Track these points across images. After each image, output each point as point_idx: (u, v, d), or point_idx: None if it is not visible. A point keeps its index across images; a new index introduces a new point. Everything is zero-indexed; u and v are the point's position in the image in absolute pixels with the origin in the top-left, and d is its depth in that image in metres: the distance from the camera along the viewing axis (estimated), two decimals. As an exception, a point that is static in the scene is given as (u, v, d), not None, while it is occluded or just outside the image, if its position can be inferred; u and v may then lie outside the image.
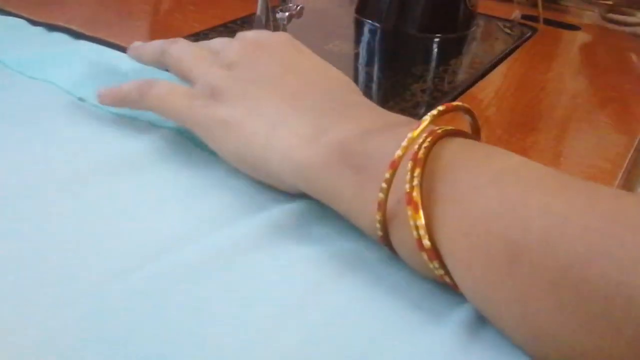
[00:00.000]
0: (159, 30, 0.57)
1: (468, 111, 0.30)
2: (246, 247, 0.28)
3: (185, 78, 0.36)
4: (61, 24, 0.52)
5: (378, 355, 0.24)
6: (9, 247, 0.27)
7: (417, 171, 0.25)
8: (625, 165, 0.42)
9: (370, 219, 0.27)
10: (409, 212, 0.25)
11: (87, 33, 0.50)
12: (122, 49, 0.47)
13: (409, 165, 0.25)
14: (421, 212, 0.25)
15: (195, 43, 0.38)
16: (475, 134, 0.30)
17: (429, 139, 0.26)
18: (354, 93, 0.34)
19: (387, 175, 0.26)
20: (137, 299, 0.25)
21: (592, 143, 0.44)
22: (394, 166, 0.26)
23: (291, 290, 0.26)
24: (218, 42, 0.38)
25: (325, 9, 0.68)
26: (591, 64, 0.60)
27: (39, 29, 0.51)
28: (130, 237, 0.28)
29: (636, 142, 0.45)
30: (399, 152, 0.26)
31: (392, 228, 0.27)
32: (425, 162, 0.25)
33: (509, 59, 0.58)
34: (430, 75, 0.53)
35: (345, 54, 0.55)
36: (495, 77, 0.54)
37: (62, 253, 0.27)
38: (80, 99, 0.40)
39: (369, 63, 0.55)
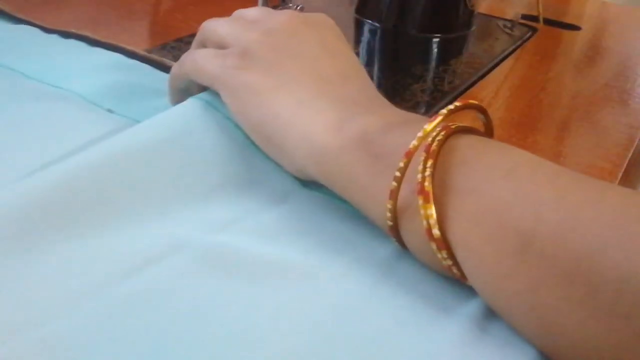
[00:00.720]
0: (159, 30, 0.57)
1: (482, 110, 0.30)
2: (252, 243, 0.28)
3: (222, 45, 0.35)
4: (72, 29, 0.51)
5: (388, 349, 0.24)
6: (16, 251, 0.27)
7: (430, 162, 0.26)
8: (625, 165, 0.42)
9: (381, 208, 0.27)
10: (420, 202, 0.25)
11: (100, 39, 0.49)
12: (122, 50, 0.47)
13: (422, 156, 0.26)
14: (432, 202, 0.25)
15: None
16: (488, 132, 0.31)
17: (442, 133, 0.27)
18: (376, 90, 0.34)
19: (402, 164, 0.26)
20: (144, 299, 0.25)
21: (592, 143, 0.44)
22: (409, 156, 0.26)
23: (301, 287, 0.26)
24: (257, 11, 0.37)
25: (325, 8, 0.68)
26: (591, 64, 0.60)
27: (54, 37, 0.49)
28: (135, 239, 0.28)
29: (636, 142, 0.45)
30: (414, 142, 0.26)
31: (403, 219, 0.27)
32: (438, 154, 0.26)
33: (509, 59, 0.58)
34: (430, 75, 0.53)
35: (345, 54, 0.55)
36: (495, 77, 0.54)
37: (66, 252, 0.27)
38: (109, 110, 0.39)
39: (369, 63, 0.55)
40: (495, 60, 0.57)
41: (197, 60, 0.35)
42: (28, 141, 0.35)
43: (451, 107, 0.27)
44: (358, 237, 0.30)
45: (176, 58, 0.49)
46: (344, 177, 0.29)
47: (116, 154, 0.31)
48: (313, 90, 0.32)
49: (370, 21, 0.63)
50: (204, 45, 0.37)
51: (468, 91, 0.50)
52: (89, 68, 0.44)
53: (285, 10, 0.36)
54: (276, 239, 0.29)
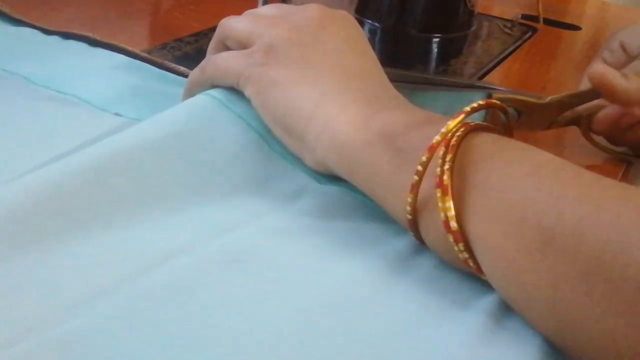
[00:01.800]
0: (159, 30, 0.57)
1: (503, 110, 0.30)
2: (268, 240, 0.29)
3: (245, 42, 0.35)
4: (72, 28, 0.51)
5: (404, 343, 0.24)
6: (31, 249, 0.26)
7: (449, 157, 0.26)
8: (625, 165, 0.42)
9: (401, 201, 0.27)
10: (438, 195, 0.26)
11: (102, 39, 0.48)
12: (122, 50, 0.47)
13: (442, 151, 0.26)
14: (450, 195, 0.25)
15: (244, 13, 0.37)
16: (506, 132, 0.31)
17: (462, 129, 0.27)
18: (395, 90, 0.34)
19: (424, 158, 0.26)
20: (161, 296, 0.25)
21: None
22: (432, 150, 0.26)
23: (319, 282, 0.27)
24: (277, 8, 0.37)
25: (325, 8, 0.68)
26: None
27: (54, 38, 0.48)
28: (150, 237, 0.28)
29: (636, 142, 0.45)
30: (437, 138, 0.26)
31: (422, 213, 0.27)
32: (457, 148, 0.26)
33: (509, 59, 0.58)
34: (430, 75, 0.53)
35: (345, 54, 0.55)
36: (496, 77, 0.54)
37: (82, 250, 0.27)
38: (117, 114, 0.39)
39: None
40: (495, 60, 0.57)
41: (221, 63, 0.35)
42: (32, 143, 0.35)
43: (474, 105, 0.28)
44: (374, 232, 0.30)
45: (176, 58, 0.49)
46: (366, 170, 0.29)
47: (129, 150, 0.30)
48: (337, 84, 0.32)
49: (370, 21, 0.63)
50: (223, 44, 0.36)
51: (468, 91, 0.50)
52: (92, 72, 0.43)
53: (309, 5, 0.35)
54: (292, 236, 0.29)
